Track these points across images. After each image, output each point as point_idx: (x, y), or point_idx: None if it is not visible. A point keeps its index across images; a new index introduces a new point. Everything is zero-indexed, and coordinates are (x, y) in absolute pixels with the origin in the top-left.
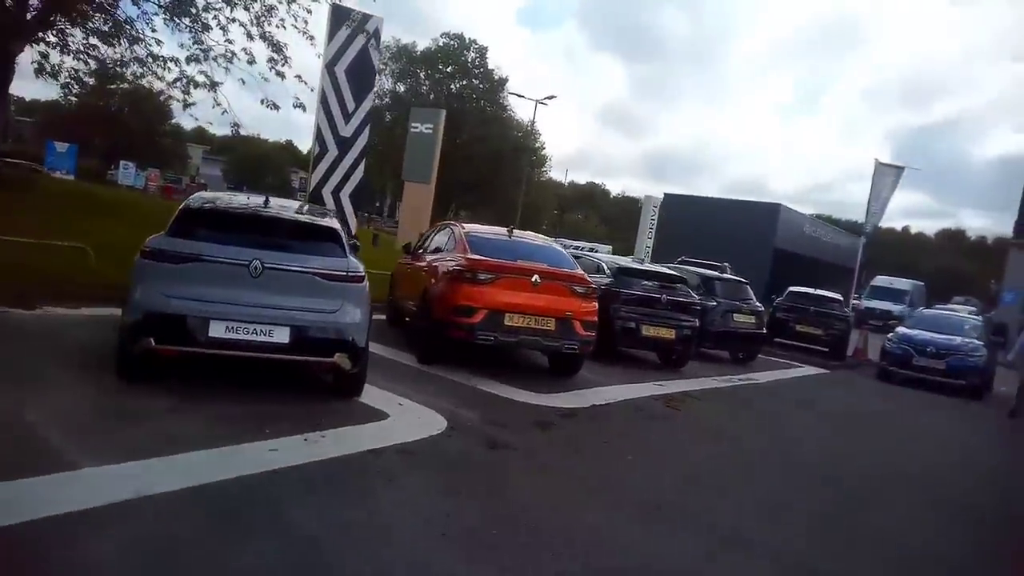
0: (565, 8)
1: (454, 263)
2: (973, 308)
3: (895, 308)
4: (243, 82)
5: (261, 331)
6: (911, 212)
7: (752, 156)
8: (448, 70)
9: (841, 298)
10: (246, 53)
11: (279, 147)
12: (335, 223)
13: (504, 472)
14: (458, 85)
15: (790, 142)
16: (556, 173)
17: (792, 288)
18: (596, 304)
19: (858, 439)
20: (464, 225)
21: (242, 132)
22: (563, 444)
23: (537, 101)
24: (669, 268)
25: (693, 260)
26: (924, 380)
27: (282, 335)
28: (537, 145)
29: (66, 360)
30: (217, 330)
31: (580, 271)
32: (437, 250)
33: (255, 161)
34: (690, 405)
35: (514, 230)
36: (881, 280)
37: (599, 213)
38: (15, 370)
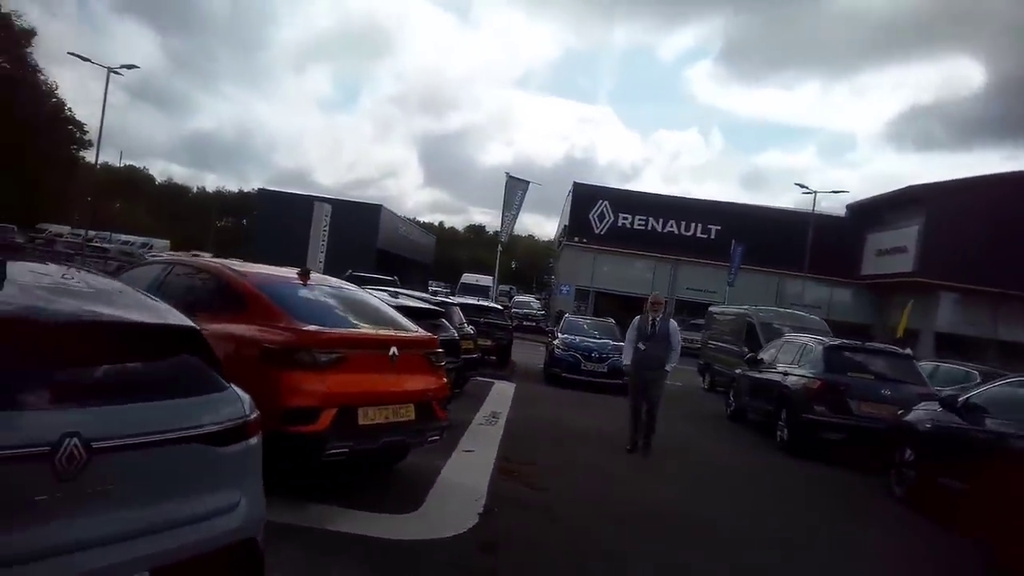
0: None
1: (267, 337)
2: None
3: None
4: None
5: None
6: (437, 207)
7: (297, 148)
8: None
9: (502, 308)
10: None
11: None
12: (179, 314)
13: None
14: None
15: (331, 137)
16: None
17: (460, 300)
18: (446, 376)
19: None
20: (234, 265)
21: None
22: None
23: (110, 69)
24: (415, 298)
25: (363, 275)
26: (590, 383)
27: None
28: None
29: None
30: None
31: (423, 332)
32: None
33: None
34: (531, 476)
35: (310, 272)
36: (468, 277)
37: (144, 202)
38: None
